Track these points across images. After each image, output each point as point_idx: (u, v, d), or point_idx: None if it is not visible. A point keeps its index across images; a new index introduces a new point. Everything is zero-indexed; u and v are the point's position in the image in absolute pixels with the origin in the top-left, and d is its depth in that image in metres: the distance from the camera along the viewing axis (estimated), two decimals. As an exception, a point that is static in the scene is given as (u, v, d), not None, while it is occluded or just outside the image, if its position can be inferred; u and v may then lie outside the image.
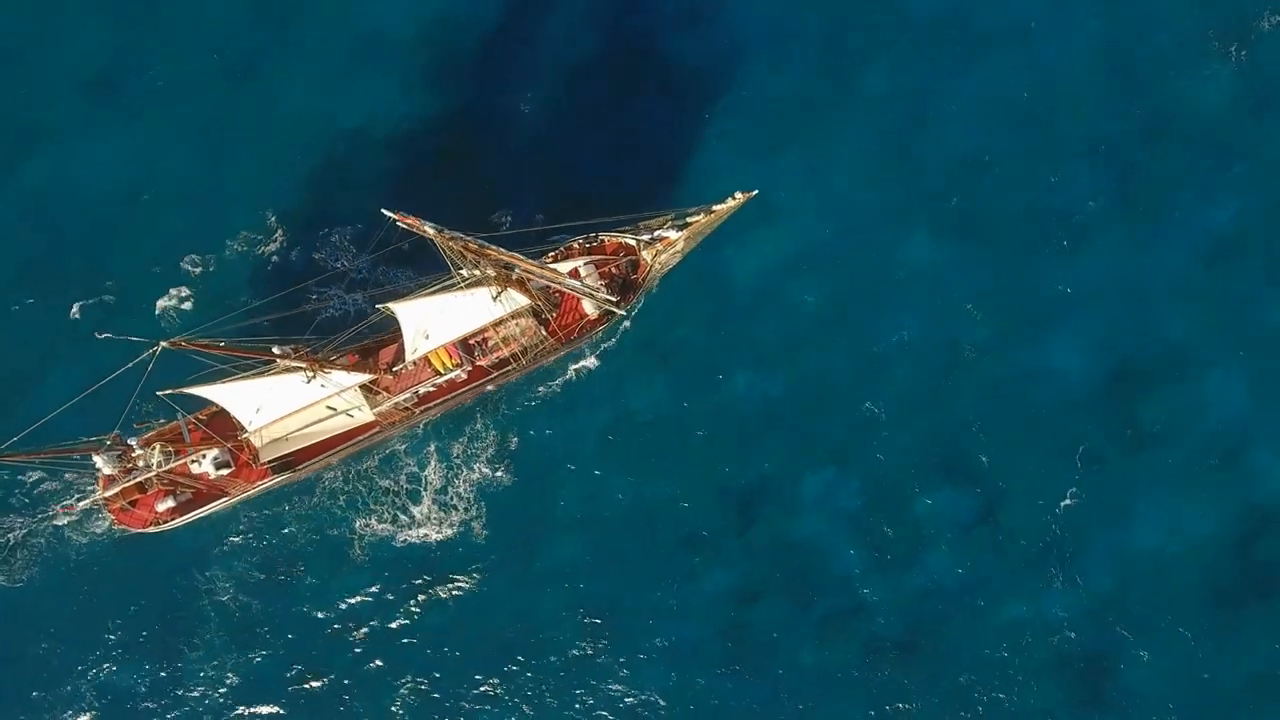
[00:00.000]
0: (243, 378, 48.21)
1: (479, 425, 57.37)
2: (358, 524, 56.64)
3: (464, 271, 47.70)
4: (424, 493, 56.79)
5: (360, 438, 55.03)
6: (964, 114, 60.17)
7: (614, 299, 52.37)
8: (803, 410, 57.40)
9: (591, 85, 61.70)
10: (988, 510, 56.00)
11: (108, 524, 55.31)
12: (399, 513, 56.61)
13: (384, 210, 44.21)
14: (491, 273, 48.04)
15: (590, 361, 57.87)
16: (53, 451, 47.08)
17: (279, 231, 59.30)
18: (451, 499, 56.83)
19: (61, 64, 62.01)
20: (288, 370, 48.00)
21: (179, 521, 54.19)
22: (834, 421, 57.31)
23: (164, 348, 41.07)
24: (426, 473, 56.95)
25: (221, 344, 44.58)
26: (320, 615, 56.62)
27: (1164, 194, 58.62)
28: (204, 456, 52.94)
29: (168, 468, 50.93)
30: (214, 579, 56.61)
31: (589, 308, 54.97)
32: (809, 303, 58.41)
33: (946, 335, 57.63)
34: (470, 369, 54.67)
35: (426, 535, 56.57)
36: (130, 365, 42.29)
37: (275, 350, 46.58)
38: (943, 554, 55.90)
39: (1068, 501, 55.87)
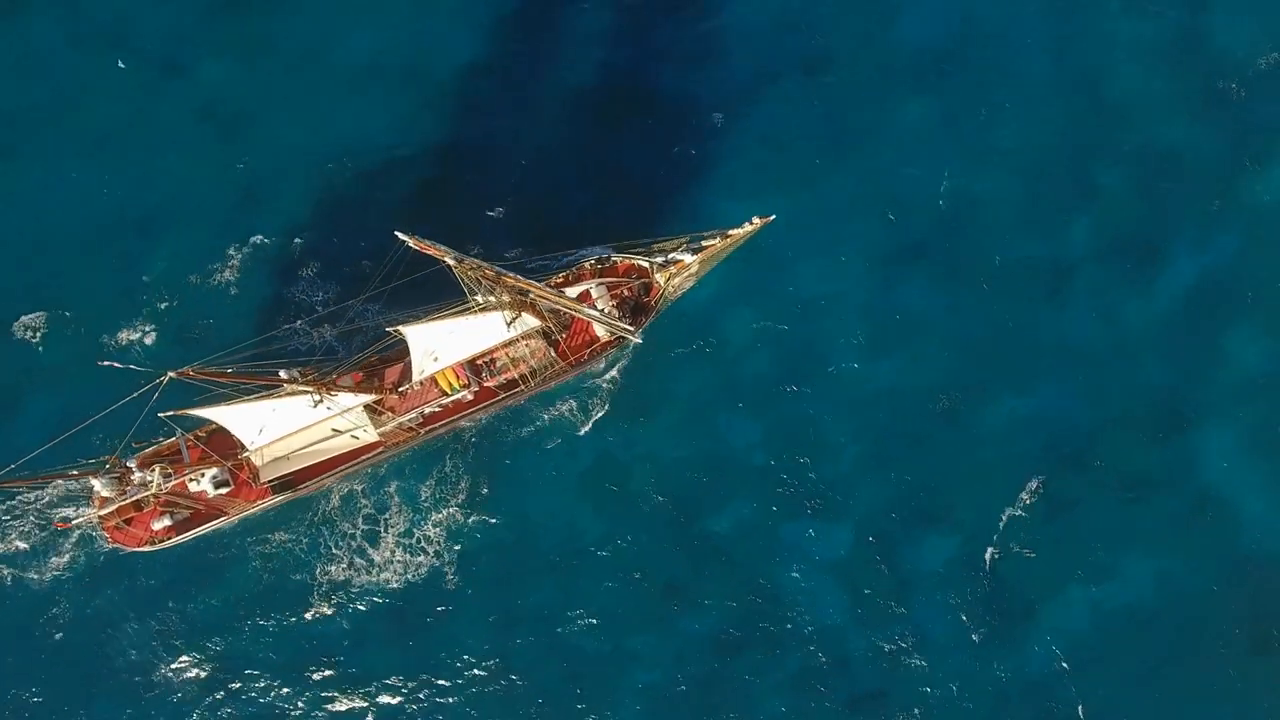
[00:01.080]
0: (247, 400, 46.81)
1: (449, 467, 56.02)
2: (318, 569, 55.27)
3: (479, 297, 46.42)
4: (385, 535, 55.45)
5: (364, 458, 53.75)
6: (951, 156, 59.12)
7: (630, 327, 51.23)
8: (783, 456, 56.46)
9: (603, 109, 60.42)
10: (970, 561, 55.34)
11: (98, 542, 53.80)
12: (357, 556, 55.20)
13: (397, 233, 42.94)
14: (507, 298, 46.81)
15: (569, 404, 56.69)
16: (51, 476, 45.71)
17: (265, 259, 57.73)
18: (419, 542, 55.43)
19: (29, 92, 59.73)
20: (294, 394, 46.62)
21: (176, 540, 52.91)
22: (814, 469, 56.33)
23: (171, 378, 39.68)
24: (388, 515, 55.66)
25: (230, 370, 43.18)
26: (276, 657, 55.25)
27: (1152, 240, 57.99)
28: (202, 475, 51.60)
29: (167, 486, 49.55)
30: (167, 618, 55.22)
31: (600, 330, 53.86)
32: (792, 347, 57.42)
33: (930, 382, 56.86)
34: (478, 390, 53.44)
35: (388, 580, 55.22)
36: (135, 395, 40.83)
37: (282, 375, 45.26)
38: (923, 606, 55.25)
39: (1052, 551, 55.37)
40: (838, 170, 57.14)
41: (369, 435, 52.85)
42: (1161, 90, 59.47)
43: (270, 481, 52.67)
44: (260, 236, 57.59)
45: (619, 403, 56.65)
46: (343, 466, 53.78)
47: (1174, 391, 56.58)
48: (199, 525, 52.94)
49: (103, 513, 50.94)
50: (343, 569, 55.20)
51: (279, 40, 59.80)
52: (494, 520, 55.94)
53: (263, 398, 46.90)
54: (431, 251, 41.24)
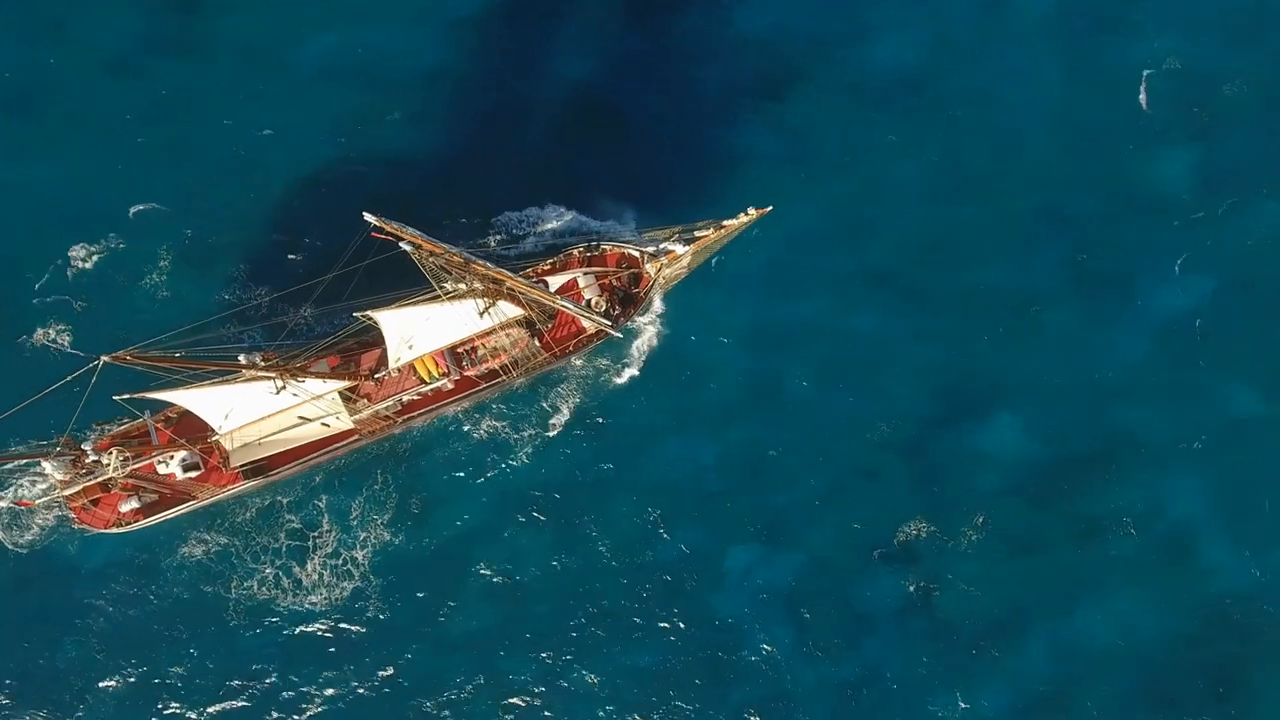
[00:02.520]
0: (208, 384, 45.01)
1: (379, 484, 53.84)
2: (233, 586, 53.14)
3: (448, 285, 44.23)
4: (314, 554, 53.31)
5: (338, 445, 51.94)
6: (918, 184, 56.60)
7: (607, 321, 48.96)
8: (733, 483, 54.30)
9: (599, 94, 58.15)
10: (924, 596, 53.15)
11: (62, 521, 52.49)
12: (284, 574, 53.09)
13: (366, 214, 40.75)
14: (479, 286, 44.58)
15: (507, 422, 54.37)
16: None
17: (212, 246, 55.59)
18: (346, 563, 53.27)
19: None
20: (254, 379, 44.76)
21: (143, 523, 51.45)
22: (765, 497, 54.22)
23: (105, 363, 37.81)
24: (318, 534, 53.44)
25: (178, 355, 41.29)
26: (198, 678, 53.34)
27: (1120, 273, 55.61)
28: (171, 458, 50.00)
29: (128, 470, 47.98)
30: (87, 624, 53.11)
31: (586, 321, 51.59)
32: (747, 372, 55.09)
33: (889, 413, 54.66)
34: (458, 379, 51.42)
35: (315, 602, 53.11)
36: (70, 379, 39.05)
37: (241, 359, 43.35)
38: (873, 641, 53.15)
39: (1009, 590, 53.21)
40: (802, 194, 54.55)
41: (343, 422, 51.01)
42: (1135, 120, 57.27)
43: (241, 466, 50.97)
44: (190, 230, 55.56)
45: (564, 420, 54.41)
46: (317, 453, 51.94)
47: (1138, 430, 54.30)
48: (167, 509, 51.36)
49: (67, 492, 49.43)
50: (268, 587, 53.13)
51: (229, 39, 57.70)
52: (427, 541, 53.68)
53: (223, 383, 45.02)
54: (394, 232, 38.87)
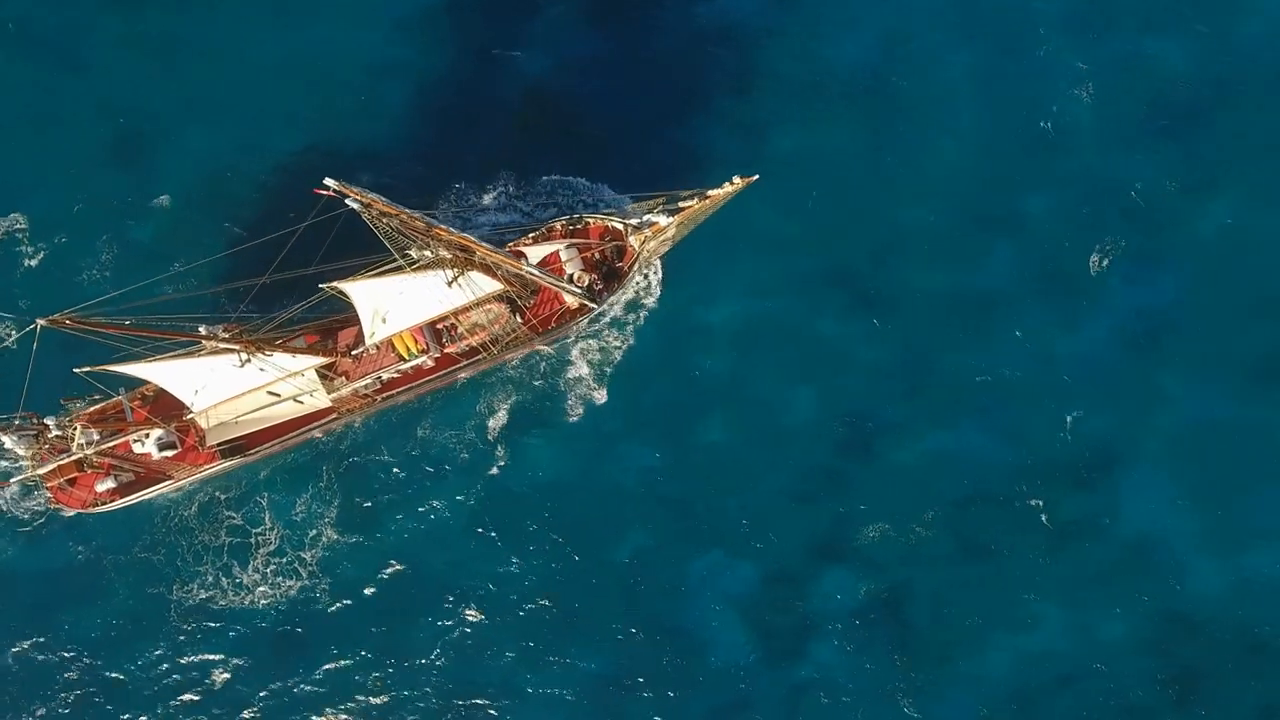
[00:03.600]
0: (173, 357, 43.94)
1: (324, 482, 52.63)
2: (175, 588, 52.25)
3: (413, 253, 42.77)
4: (256, 553, 52.33)
5: (317, 424, 50.84)
6: (879, 183, 54.60)
7: (582, 291, 47.33)
8: (690, 486, 52.66)
9: (581, 51, 56.55)
10: (885, 602, 51.80)
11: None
12: (223, 575, 52.08)
13: (327, 180, 39.32)
14: (446, 255, 43.06)
15: (460, 418, 53.03)
16: (-49, 430, 43.41)
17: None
18: (292, 563, 52.11)
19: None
20: (217, 352, 43.62)
21: (120, 503, 50.70)
22: (724, 500, 52.55)
23: (42, 326, 36.73)
24: (260, 531, 52.38)
25: (128, 322, 40.15)
26: (147, 685, 52.53)
27: (1081, 274, 53.60)
28: (146, 436, 49.12)
29: (104, 444, 47.14)
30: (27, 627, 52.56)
31: (569, 297, 50.01)
32: (705, 373, 53.53)
33: (849, 416, 53.02)
34: (438, 356, 50.05)
35: (257, 602, 52.12)
36: (9, 343, 38.02)
37: (203, 330, 42.18)
38: (834, 647, 51.67)
39: (971, 597, 51.77)
40: (757, 191, 51.22)
41: (320, 400, 49.84)
42: (1095, 117, 54.87)
43: (218, 445, 50.00)
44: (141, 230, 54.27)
45: (516, 421, 53.08)
46: (296, 432, 50.89)
47: (1101, 433, 52.58)
48: (143, 488, 50.57)
49: (42, 470, 48.73)
50: (207, 589, 52.22)
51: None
52: (374, 543, 52.42)
53: (187, 355, 43.93)
54: (340, 189, 37.28)
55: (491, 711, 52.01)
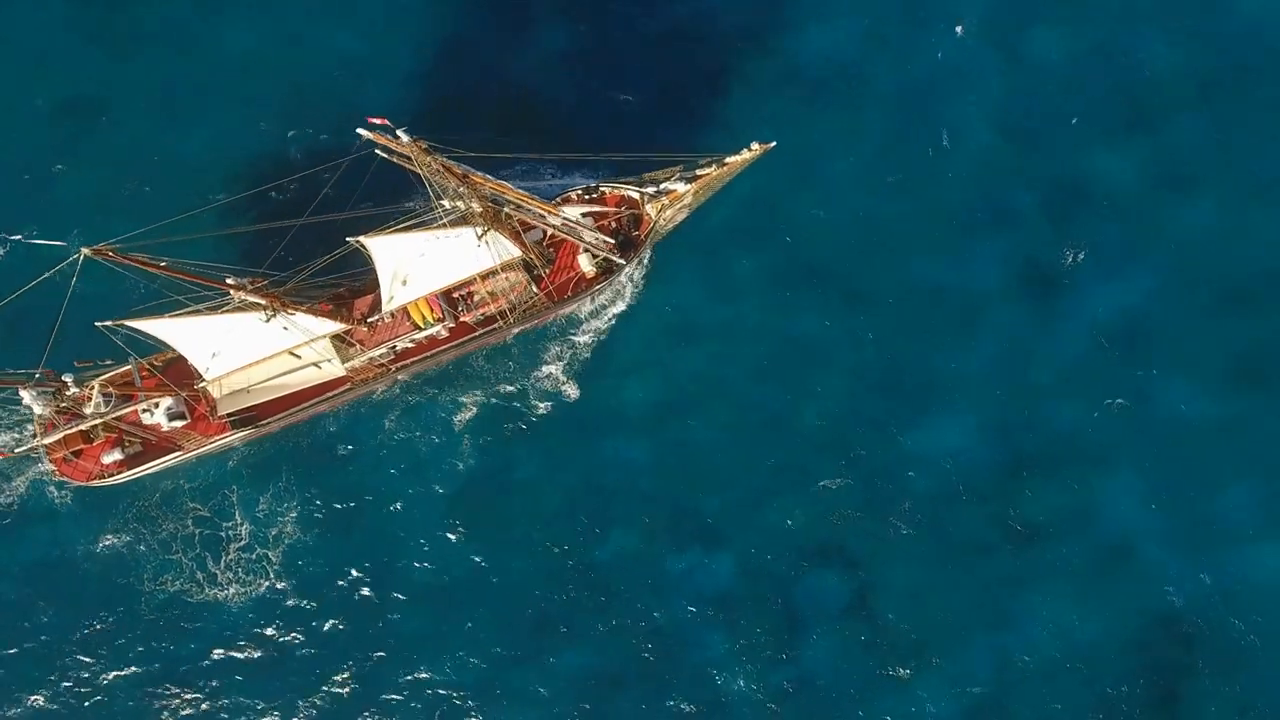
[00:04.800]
0: (194, 312, 43.34)
1: (285, 480, 52.10)
2: (146, 580, 51.52)
3: (446, 203, 42.75)
4: (226, 548, 51.74)
5: (330, 394, 50.24)
6: (854, 177, 54.77)
7: (612, 242, 47.42)
8: (671, 485, 52.48)
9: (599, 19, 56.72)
10: (862, 600, 51.50)
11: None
12: (198, 570, 51.43)
13: (360, 130, 39.32)
14: (477, 207, 43.12)
15: (436, 414, 52.61)
16: (-31, 381, 42.39)
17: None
18: (260, 560, 51.53)
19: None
20: (243, 308, 43.14)
21: (126, 476, 49.65)
22: (703, 498, 52.35)
23: (86, 255, 36.18)
24: (231, 525, 51.83)
25: (164, 263, 39.66)
26: (117, 678, 51.66)
27: (1059, 270, 53.67)
28: (156, 406, 48.23)
29: (112, 413, 46.21)
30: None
31: (586, 264, 50.20)
32: (681, 373, 53.39)
33: (827, 413, 52.85)
34: (453, 325, 49.86)
35: (229, 599, 51.48)
36: (51, 273, 37.35)
37: (230, 280, 41.73)
38: (813, 646, 51.34)
39: (950, 596, 51.48)
40: (732, 188, 51.83)
41: (335, 368, 49.36)
42: (1075, 114, 55.07)
43: (229, 416, 49.24)
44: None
45: (486, 418, 52.71)
46: (308, 403, 50.26)
47: (1081, 431, 52.48)
48: (151, 460, 49.53)
49: (48, 440, 47.62)
50: (181, 583, 51.53)
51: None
52: (352, 540, 51.95)
53: (211, 310, 43.39)
54: (390, 144, 37.41)
55: (470, 709, 51.25)
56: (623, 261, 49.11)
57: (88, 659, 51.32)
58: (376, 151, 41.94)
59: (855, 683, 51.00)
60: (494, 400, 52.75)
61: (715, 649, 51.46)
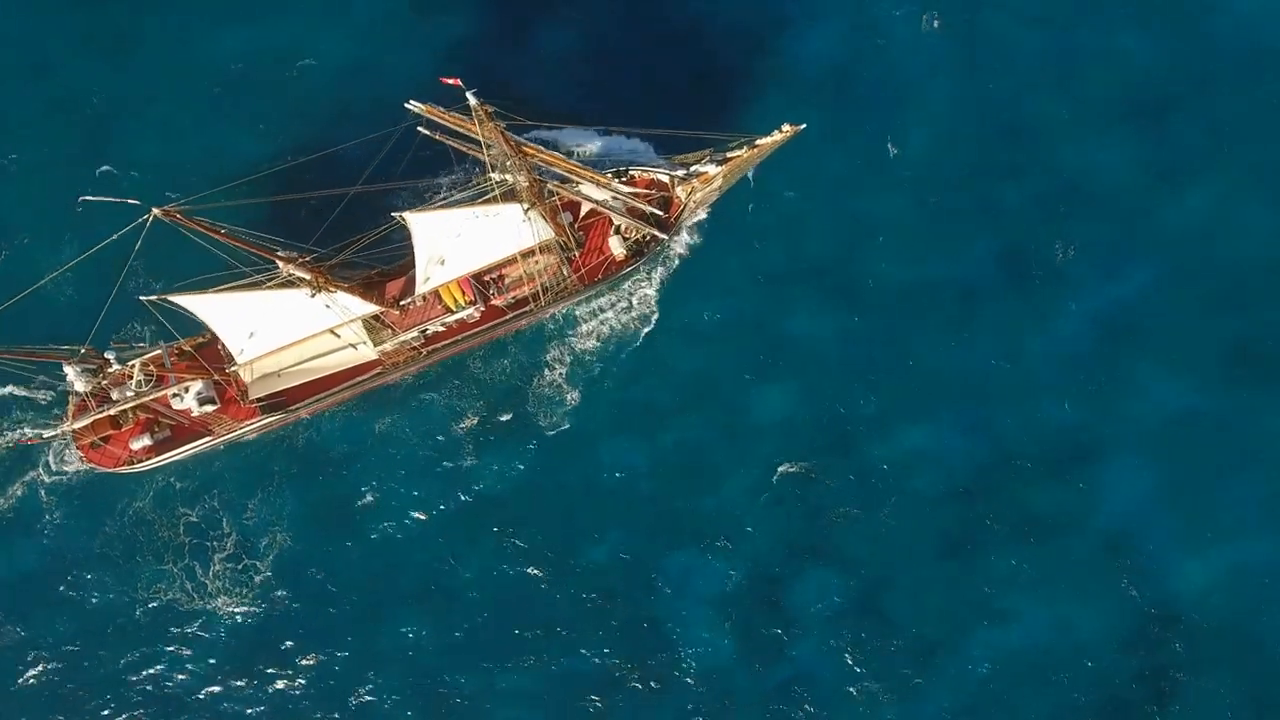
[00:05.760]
0: (235, 287, 43.17)
1: (281, 481, 51.96)
2: (139, 588, 51.31)
3: (495, 175, 43.00)
4: (215, 554, 51.49)
5: (360, 379, 50.07)
6: (848, 175, 54.58)
7: (664, 215, 47.72)
8: (669, 485, 52.56)
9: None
10: (862, 600, 51.61)
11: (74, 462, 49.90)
12: (187, 579, 51.13)
13: (408, 104, 39.49)
14: (524, 181, 43.41)
15: (434, 411, 52.54)
16: (18, 353, 41.76)
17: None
18: (246, 570, 51.38)
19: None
20: (287, 284, 43.03)
21: (155, 462, 49.18)
22: (701, 499, 52.40)
23: (156, 216, 36.07)
24: (219, 532, 51.65)
25: (223, 230, 39.56)
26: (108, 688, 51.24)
27: (1056, 266, 53.77)
28: (186, 390, 47.80)
29: (147, 396, 45.75)
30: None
31: (616, 247, 50.56)
32: (678, 373, 53.42)
33: (824, 413, 52.88)
34: (484, 309, 49.96)
35: (220, 607, 51.27)
36: (125, 231, 37.11)
37: (281, 253, 41.64)
38: (813, 645, 51.38)
39: (949, 593, 51.67)
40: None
41: (367, 352, 49.26)
42: (1069, 109, 55.08)
43: (259, 400, 48.93)
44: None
45: (484, 421, 52.65)
46: (338, 387, 50.04)
47: (1077, 427, 52.60)
48: (181, 445, 49.02)
49: (77, 425, 47.03)
50: (169, 590, 51.18)
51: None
52: (350, 544, 51.84)
53: (254, 286, 43.23)
54: (446, 119, 37.63)
55: (469, 712, 51.06)
56: (667, 240, 49.45)
57: (79, 668, 51.06)
58: (419, 129, 42.14)
59: (855, 682, 51.04)
60: (491, 404, 52.56)
61: (715, 650, 51.45)
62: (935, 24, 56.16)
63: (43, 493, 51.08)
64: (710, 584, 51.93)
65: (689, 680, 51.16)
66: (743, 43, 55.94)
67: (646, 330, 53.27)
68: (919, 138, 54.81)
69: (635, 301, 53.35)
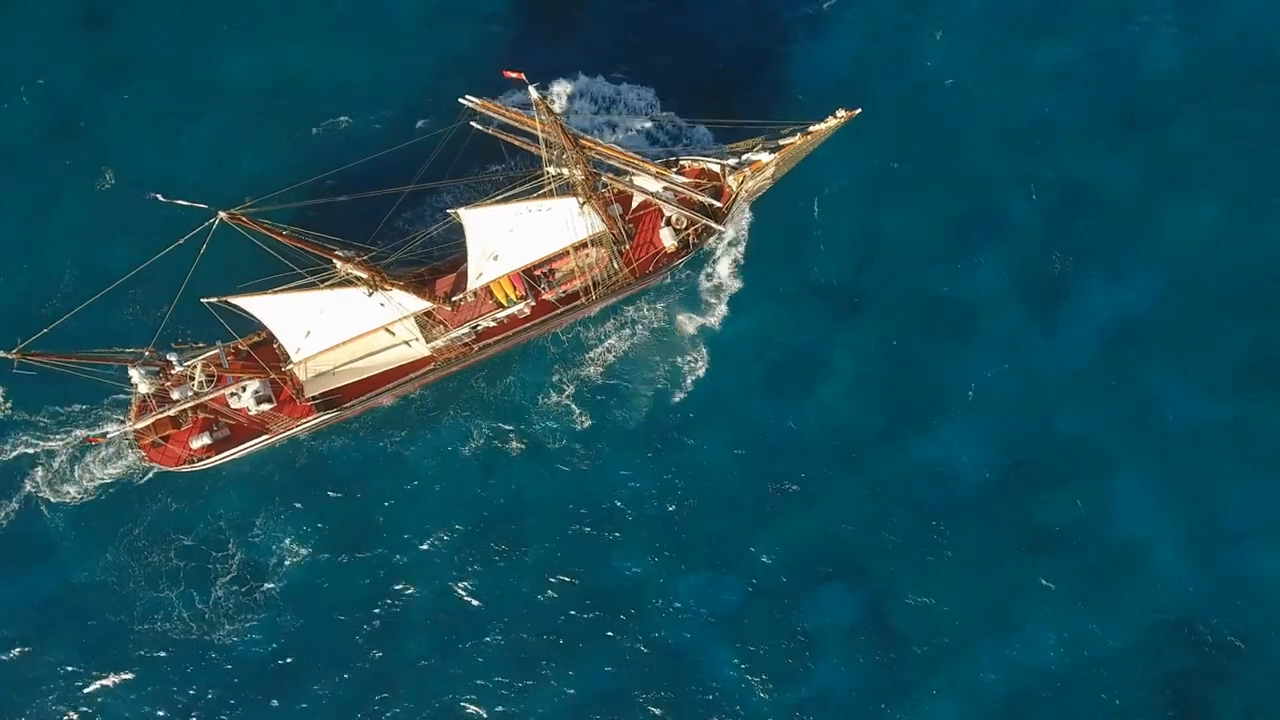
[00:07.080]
0: (294, 288, 43.40)
1: (288, 499, 51.90)
2: (138, 612, 51.42)
3: (551, 169, 42.86)
4: (216, 578, 51.46)
5: (412, 375, 50.24)
6: (854, 187, 54.06)
7: (720, 205, 47.39)
8: (680, 506, 52.19)
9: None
10: (874, 613, 51.23)
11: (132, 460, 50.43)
12: (187, 606, 51.21)
13: (463, 99, 39.39)
14: (580, 175, 43.23)
15: (442, 429, 52.30)
16: (83, 357, 42.27)
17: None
18: (252, 592, 51.32)
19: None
20: (344, 283, 43.19)
21: (215, 460, 49.66)
22: (708, 518, 52.03)
23: (223, 219, 36.26)
24: (225, 552, 51.67)
25: (285, 232, 39.72)
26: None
27: (1063, 276, 53.15)
28: (244, 389, 48.19)
29: (207, 395, 46.14)
30: None
31: (668, 239, 50.30)
32: (685, 391, 52.88)
33: (833, 427, 52.41)
34: (534, 304, 49.92)
35: (221, 633, 51.21)
36: (191, 235, 37.34)
37: (339, 253, 41.76)
38: (827, 662, 51.04)
39: (957, 606, 51.22)
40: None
41: (420, 349, 49.40)
42: (1076, 120, 54.34)
43: (314, 399, 49.20)
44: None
45: (498, 442, 52.38)
46: (390, 384, 50.25)
47: (1085, 437, 52.04)
48: (239, 444, 49.43)
49: (139, 425, 47.52)
50: (169, 616, 51.30)
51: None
52: (355, 562, 51.74)
53: (311, 286, 43.43)
54: (496, 111, 37.54)
55: None
56: (722, 230, 49.13)
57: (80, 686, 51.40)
58: (471, 124, 42.06)
59: (870, 696, 50.69)
60: (500, 423, 52.38)
61: (728, 667, 51.17)
62: (947, 34, 55.56)
63: (43, 508, 51.40)
64: (723, 602, 51.75)
65: (704, 699, 51.00)
66: (796, 31, 55.72)
67: (653, 350, 53.01)
68: (925, 147, 54.24)
69: (641, 321, 53.15)
